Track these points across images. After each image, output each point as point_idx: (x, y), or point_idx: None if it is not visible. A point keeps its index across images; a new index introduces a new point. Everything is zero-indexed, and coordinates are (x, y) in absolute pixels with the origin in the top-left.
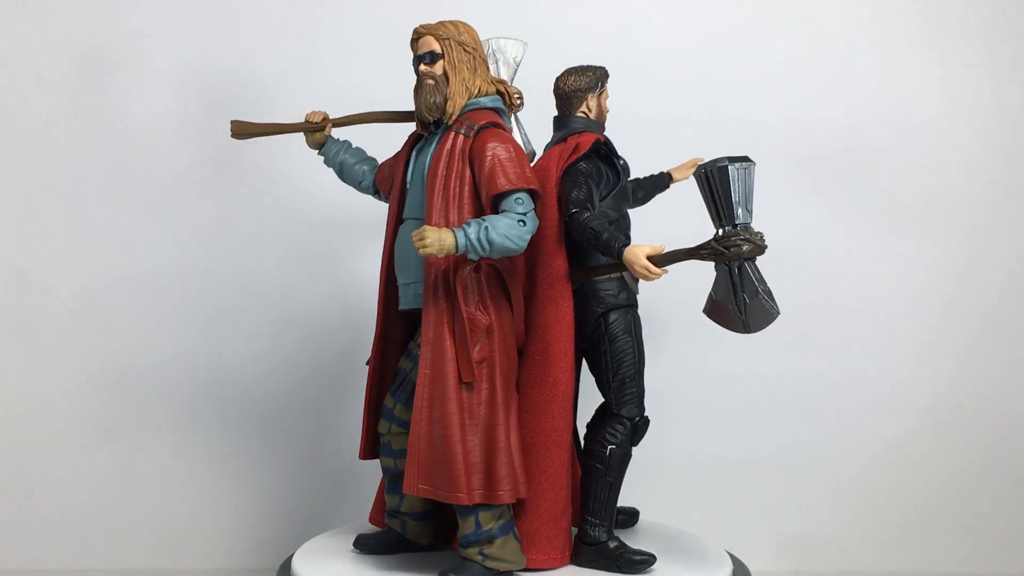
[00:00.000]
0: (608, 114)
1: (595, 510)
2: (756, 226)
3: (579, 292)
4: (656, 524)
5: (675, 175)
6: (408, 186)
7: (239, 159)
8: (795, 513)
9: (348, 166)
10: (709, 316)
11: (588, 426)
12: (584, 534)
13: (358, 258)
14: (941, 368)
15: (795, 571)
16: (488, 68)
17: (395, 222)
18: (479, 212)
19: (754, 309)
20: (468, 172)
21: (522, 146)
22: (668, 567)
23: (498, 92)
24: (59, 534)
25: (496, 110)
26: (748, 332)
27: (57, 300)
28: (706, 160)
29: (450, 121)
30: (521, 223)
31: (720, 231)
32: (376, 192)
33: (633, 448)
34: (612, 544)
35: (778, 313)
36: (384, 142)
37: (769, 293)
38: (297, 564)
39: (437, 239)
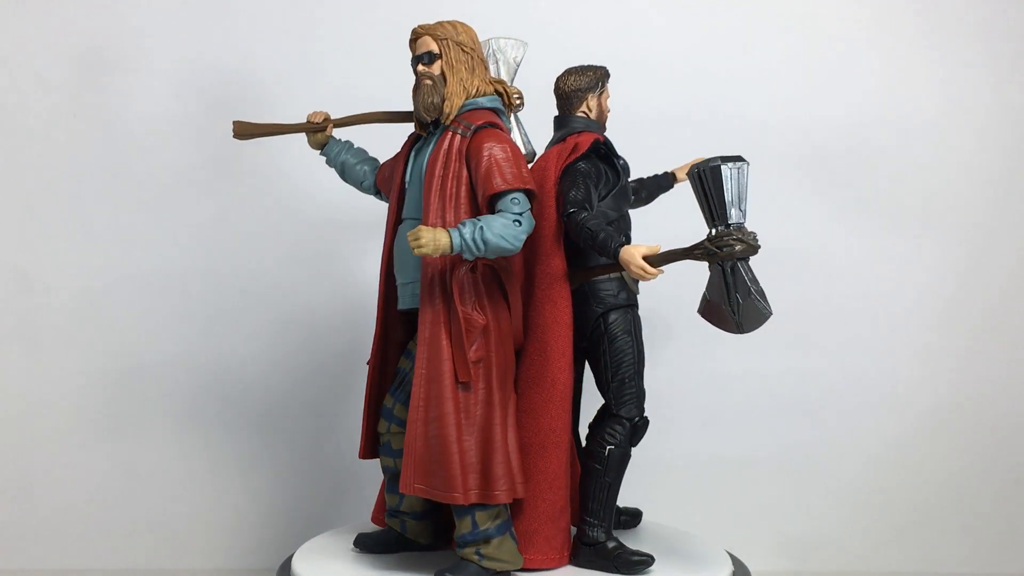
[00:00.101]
0: (609, 114)
1: (594, 510)
2: (756, 226)
3: (579, 292)
4: (656, 524)
5: (679, 175)
6: (407, 186)
7: (239, 159)
8: (795, 513)
9: (350, 166)
10: (703, 316)
11: (590, 426)
12: (583, 534)
13: (358, 258)
14: (941, 368)
15: (795, 571)
16: (486, 68)
17: (394, 222)
18: (476, 212)
19: (747, 309)
20: (465, 172)
21: (522, 146)
22: (668, 567)
23: (497, 92)
24: (59, 534)
25: (494, 110)
26: (741, 332)
27: (57, 300)
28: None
29: (447, 121)
30: (517, 223)
31: (713, 231)
32: (377, 192)
33: (632, 448)
34: (611, 545)
35: (770, 313)
36: (385, 142)
37: (762, 293)
38: (297, 564)
39: (432, 239)
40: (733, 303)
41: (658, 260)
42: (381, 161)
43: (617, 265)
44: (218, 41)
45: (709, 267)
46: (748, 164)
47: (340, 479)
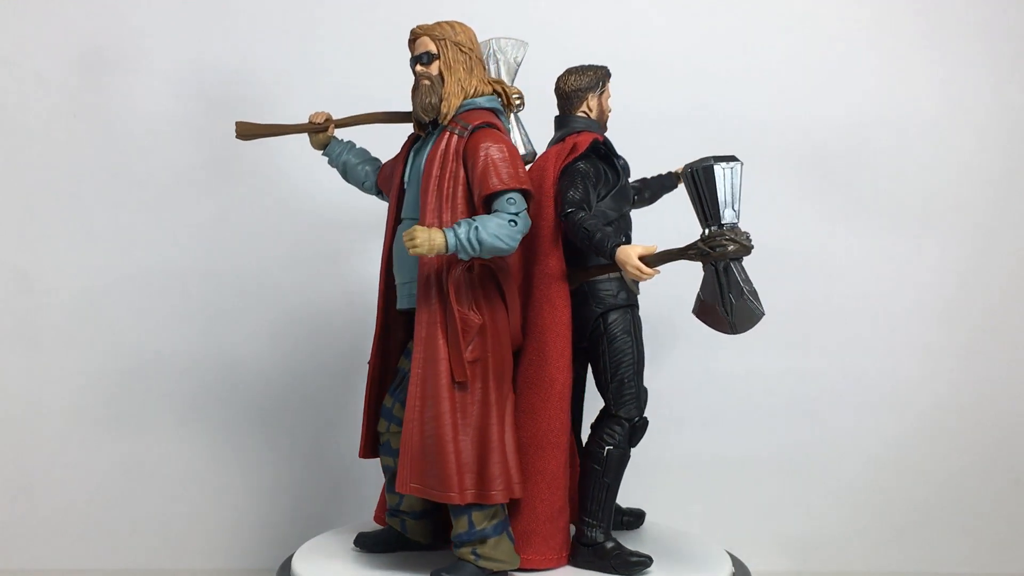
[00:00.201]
0: (610, 113)
1: (592, 511)
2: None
3: (578, 292)
4: (657, 524)
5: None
6: (406, 186)
7: (239, 159)
8: (795, 513)
9: (351, 166)
10: (698, 317)
11: (591, 426)
12: (581, 535)
13: (358, 258)
14: (941, 368)
15: (795, 571)
16: (485, 68)
17: (394, 222)
18: (473, 212)
19: (740, 309)
20: (462, 172)
21: (522, 146)
22: (668, 567)
23: (496, 92)
24: (59, 534)
25: (492, 110)
26: (735, 333)
27: (57, 300)
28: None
29: (445, 121)
30: (512, 223)
31: (707, 231)
32: (379, 192)
33: (632, 449)
34: (609, 545)
35: (763, 314)
36: (386, 142)
37: (755, 293)
38: (297, 564)
39: (427, 239)
40: (726, 303)
41: (654, 260)
42: (383, 161)
43: (614, 265)
44: (218, 41)
45: (703, 267)
46: (741, 164)
47: (340, 479)
